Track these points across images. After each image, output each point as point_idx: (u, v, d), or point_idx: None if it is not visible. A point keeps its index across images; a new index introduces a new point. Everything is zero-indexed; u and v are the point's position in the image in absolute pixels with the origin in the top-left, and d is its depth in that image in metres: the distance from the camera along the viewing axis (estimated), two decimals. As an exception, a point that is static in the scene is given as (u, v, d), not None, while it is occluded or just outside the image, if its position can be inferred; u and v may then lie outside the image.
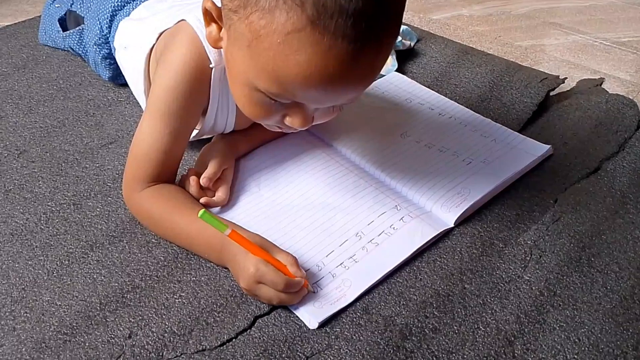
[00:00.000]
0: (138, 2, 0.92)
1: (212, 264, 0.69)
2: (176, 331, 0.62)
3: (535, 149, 0.87)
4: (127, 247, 0.71)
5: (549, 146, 0.88)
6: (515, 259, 0.72)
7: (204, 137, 0.82)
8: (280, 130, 0.68)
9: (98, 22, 0.94)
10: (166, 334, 0.62)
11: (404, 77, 1.04)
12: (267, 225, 0.73)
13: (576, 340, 0.63)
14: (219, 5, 0.60)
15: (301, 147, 0.85)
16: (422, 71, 1.09)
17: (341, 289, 0.66)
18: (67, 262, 0.69)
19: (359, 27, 0.51)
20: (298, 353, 0.61)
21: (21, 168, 0.83)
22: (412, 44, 1.15)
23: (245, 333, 0.62)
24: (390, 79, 1.03)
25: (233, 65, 0.61)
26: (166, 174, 0.73)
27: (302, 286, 0.63)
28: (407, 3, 0.58)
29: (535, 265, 0.71)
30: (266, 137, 0.85)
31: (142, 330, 0.62)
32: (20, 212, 0.76)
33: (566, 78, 1.07)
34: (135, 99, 0.94)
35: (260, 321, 0.63)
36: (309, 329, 0.63)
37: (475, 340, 0.62)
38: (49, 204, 0.77)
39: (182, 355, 0.60)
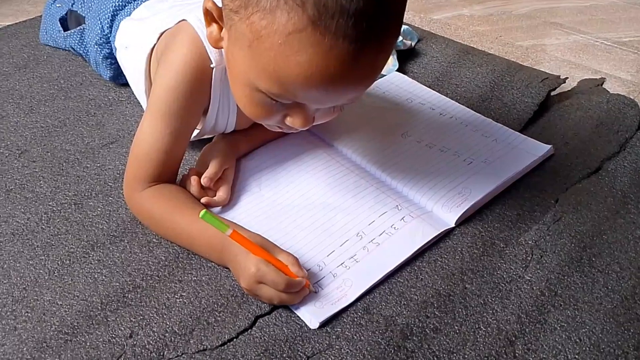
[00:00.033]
0: (139, 2, 0.92)
1: (213, 263, 0.69)
2: (177, 331, 0.62)
3: (536, 149, 0.87)
4: (128, 246, 0.71)
5: (550, 146, 0.88)
6: (516, 258, 0.72)
7: (205, 137, 0.82)
8: (281, 130, 0.68)
9: (99, 22, 0.94)
10: (167, 334, 0.62)
11: (405, 77, 1.04)
12: (268, 225, 0.73)
13: (577, 340, 0.63)
14: (220, 5, 0.60)
15: (302, 147, 0.85)
16: (423, 71, 1.09)
17: (342, 289, 0.66)
18: (68, 261, 0.69)
19: (360, 27, 0.51)
20: (299, 353, 0.61)
21: (22, 168, 0.83)
22: (413, 44, 1.15)
23: (246, 333, 0.62)
24: (391, 79, 1.03)
25: (234, 66, 0.61)
26: (167, 174, 0.73)
27: (304, 286, 0.63)
28: (408, 3, 0.58)
29: (536, 265, 0.71)
30: (267, 137, 0.85)
31: (143, 329, 0.62)
32: (21, 211, 0.76)
33: (567, 78, 1.07)
34: (136, 98, 0.94)
35: (261, 321, 0.63)
36: (310, 328, 0.63)
37: (476, 340, 0.62)
38: (50, 203, 0.77)
39: (183, 355, 0.60)
